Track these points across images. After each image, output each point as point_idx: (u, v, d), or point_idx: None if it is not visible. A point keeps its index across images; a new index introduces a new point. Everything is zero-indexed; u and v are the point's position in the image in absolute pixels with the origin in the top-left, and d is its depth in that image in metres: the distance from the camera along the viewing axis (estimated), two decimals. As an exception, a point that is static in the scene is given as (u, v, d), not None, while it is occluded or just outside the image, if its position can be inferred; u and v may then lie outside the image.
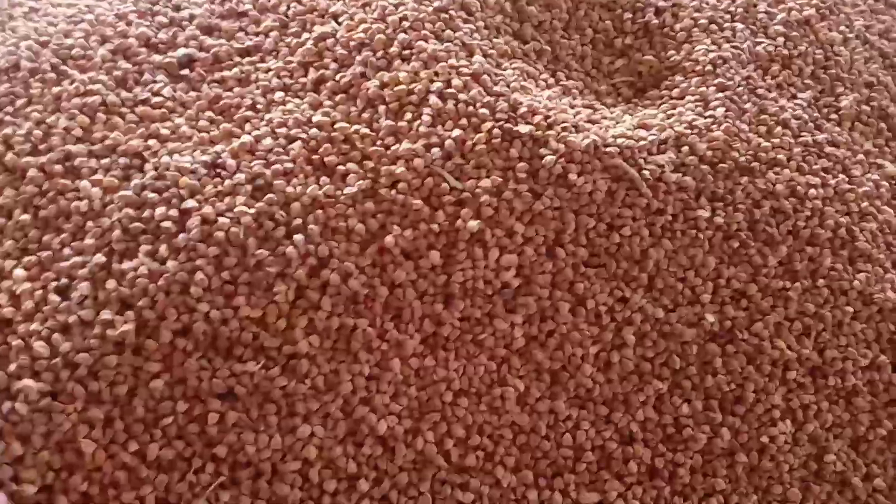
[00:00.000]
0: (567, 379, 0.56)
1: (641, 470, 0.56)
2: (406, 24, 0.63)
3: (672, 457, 0.57)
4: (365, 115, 0.60)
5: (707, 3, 0.72)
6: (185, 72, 0.62)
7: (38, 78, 0.60)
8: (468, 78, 0.61)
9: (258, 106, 0.61)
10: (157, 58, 0.63)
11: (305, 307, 0.53)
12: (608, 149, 0.59)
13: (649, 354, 0.58)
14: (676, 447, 0.57)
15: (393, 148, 0.58)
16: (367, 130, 0.59)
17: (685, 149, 0.62)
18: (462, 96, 0.60)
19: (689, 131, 0.63)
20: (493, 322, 0.56)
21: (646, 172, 0.60)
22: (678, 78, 0.69)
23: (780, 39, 0.72)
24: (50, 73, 0.61)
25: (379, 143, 0.59)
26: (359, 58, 0.62)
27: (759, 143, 0.65)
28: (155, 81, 0.61)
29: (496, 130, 0.59)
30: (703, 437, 0.57)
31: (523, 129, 0.59)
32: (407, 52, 0.62)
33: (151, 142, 0.58)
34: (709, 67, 0.68)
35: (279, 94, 0.61)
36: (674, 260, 0.60)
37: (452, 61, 0.62)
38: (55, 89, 0.60)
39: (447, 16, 0.64)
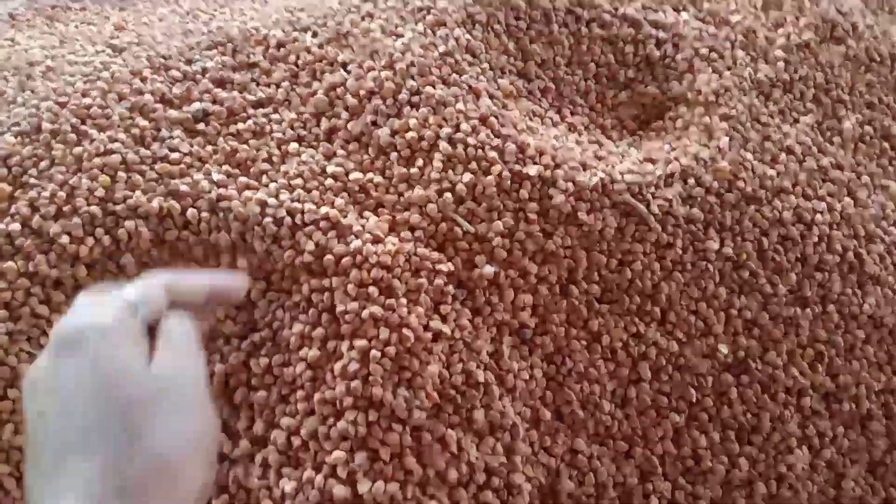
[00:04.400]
0: (587, 417, 0.57)
1: (662, 503, 0.57)
2: (414, 70, 0.65)
3: (692, 489, 0.58)
4: (378, 163, 0.62)
5: (707, 33, 0.74)
6: (201, 126, 0.64)
7: (59, 139, 0.62)
8: (476, 122, 0.62)
9: (274, 158, 0.62)
10: (173, 113, 0.64)
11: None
12: (616, 185, 0.61)
13: (666, 388, 0.59)
14: (696, 479, 0.58)
15: (406, 195, 0.60)
16: (380, 178, 0.61)
17: (691, 181, 0.63)
18: (471, 140, 0.61)
19: (694, 163, 0.64)
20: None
21: (654, 207, 0.61)
22: (682, 108, 0.70)
23: (781, 64, 0.73)
24: (70, 134, 0.62)
25: (392, 190, 0.61)
26: (369, 106, 0.64)
27: (764, 172, 0.66)
28: (172, 137, 0.63)
29: (505, 173, 0.60)
30: (722, 468, 0.58)
31: (532, 170, 0.60)
32: (416, 98, 0.64)
33: (171, 202, 0.59)
34: (711, 97, 0.69)
35: (294, 146, 0.63)
36: (685, 293, 0.61)
37: (460, 106, 0.63)
38: (76, 150, 0.62)
39: (453, 60, 0.66)
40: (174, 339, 0.38)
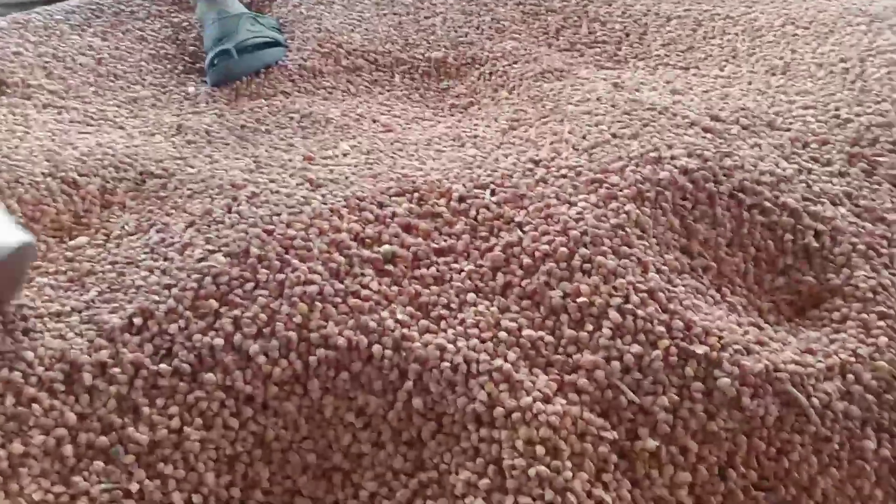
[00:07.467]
0: None
1: None
2: (587, 238, 0.70)
3: None
4: (549, 322, 0.66)
5: (864, 229, 0.77)
6: (390, 267, 0.70)
7: (264, 265, 0.70)
8: (645, 295, 0.66)
9: (452, 305, 0.68)
10: (365, 252, 0.71)
11: None
12: (779, 374, 0.63)
13: (819, 587, 0.59)
14: None
15: (575, 357, 0.64)
16: (550, 338, 0.65)
17: (850, 377, 0.65)
18: (640, 312, 0.65)
19: (853, 359, 0.66)
20: (666, 541, 0.58)
21: (815, 400, 0.63)
22: (838, 301, 0.72)
23: (938, 267, 0.75)
24: (275, 261, 0.70)
25: (562, 350, 0.64)
26: (543, 267, 0.69)
27: (922, 376, 0.67)
28: (364, 274, 0.69)
29: (673, 349, 0.63)
30: None
31: (699, 349, 0.63)
32: (587, 265, 0.68)
33: (360, 336, 0.65)
34: (869, 294, 0.71)
35: (471, 296, 0.68)
36: (841, 490, 0.61)
37: (630, 278, 0.67)
38: (279, 276, 0.69)
39: (624, 233, 0.71)
40: None
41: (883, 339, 0.68)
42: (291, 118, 1.06)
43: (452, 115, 1.08)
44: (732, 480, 0.60)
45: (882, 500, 0.62)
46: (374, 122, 1.03)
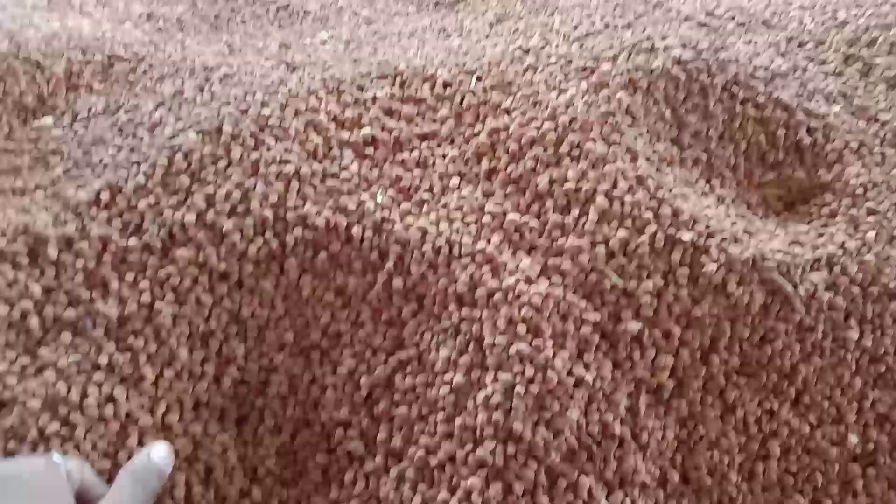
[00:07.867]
0: (714, 485, 0.58)
1: (780, 584, 0.57)
2: (576, 124, 0.67)
3: (810, 574, 0.57)
4: (534, 207, 0.64)
5: (857, 126, 0.75)
6: (370, 150, 0.67)
7: (238, 142, 0.66)
8: (633, 182, 0.64)
9: (435, 189, 0.65)
10: (344, 134, 0.68)
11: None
12: (766, 262, 0.62)
13: (793, 468, 0.59)
14: (815, 565, 0.58)
15: (559, 241, 0.62)
16: (535, 222, 0.63)
17: (837, 269, 0.64)
18: (627, 199, 0.63)
19: (840, 252, 0.65)
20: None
21: (801, 289, 0.62)
22: (828, 196, 0.71)
23: (929, 167, 0.73)
24: (249, 140, 0.66)
25: (546, 235, 0.63)
26: (530, 153, 0.66)
27: (908, 270, 0.66)
28: (342, 157, 0.67)
29: (659, 235, 0.62)
30: (842, 558, 0.57)
31: (686, 236, 0.62)
32: (575, 151, 0.66)
33: (338, 216, 0.62)
34: (859, 191, 0.70)
35: (454, 180, 0.66)
36: (821, 377, 0.61)
37: (619, 164, 0.65)
38: (254, 155, 0.66)
39: (614, 120, 0.68)
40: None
41: (871, 235, 0.67)
42: (268, 9, 1.01)
43: (438, 12, 1.03)
44: (714, 365, 0.60)
45: (860, 389, 0.62)
46: (355, 14, 0.99)
